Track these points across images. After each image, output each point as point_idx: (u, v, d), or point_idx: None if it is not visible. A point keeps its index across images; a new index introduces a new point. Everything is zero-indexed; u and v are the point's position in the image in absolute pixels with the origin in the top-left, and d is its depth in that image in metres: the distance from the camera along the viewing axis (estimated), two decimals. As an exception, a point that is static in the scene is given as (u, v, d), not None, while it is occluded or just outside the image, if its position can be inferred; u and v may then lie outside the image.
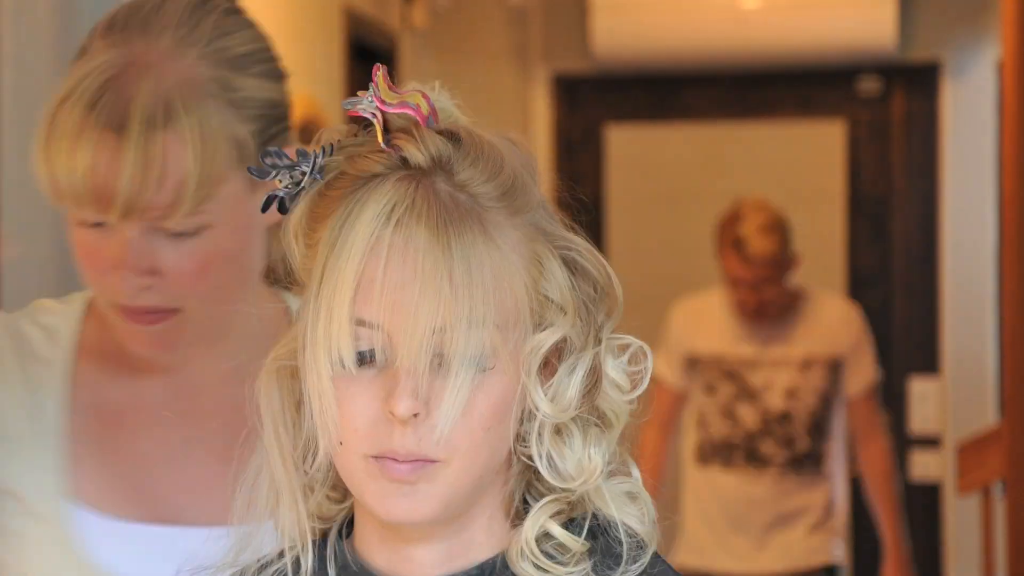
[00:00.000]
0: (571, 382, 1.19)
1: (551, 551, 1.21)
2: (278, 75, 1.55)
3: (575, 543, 1.20)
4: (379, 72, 1.22)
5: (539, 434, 1.20)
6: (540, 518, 1.20)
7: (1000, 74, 4.81)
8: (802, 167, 5.24)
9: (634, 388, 1.24)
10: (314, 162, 1.20)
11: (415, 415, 1.14)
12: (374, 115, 1.21)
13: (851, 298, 5.20)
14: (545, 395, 1.19)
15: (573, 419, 1.20)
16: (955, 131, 5.11)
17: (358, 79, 4.67)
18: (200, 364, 1.56)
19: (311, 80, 4.26)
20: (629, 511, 1.24)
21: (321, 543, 1.25)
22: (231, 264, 1.52)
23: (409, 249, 1.14)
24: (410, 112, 1.21)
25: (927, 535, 5.14)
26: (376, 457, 1.15)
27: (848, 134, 5.21)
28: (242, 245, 1.53)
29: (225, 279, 1.51)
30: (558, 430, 1.20)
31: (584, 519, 1.22)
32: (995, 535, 4.35)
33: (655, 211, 5.30)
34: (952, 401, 5.10)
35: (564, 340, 1.20)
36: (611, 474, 1.24)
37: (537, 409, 1.19)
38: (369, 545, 1.23)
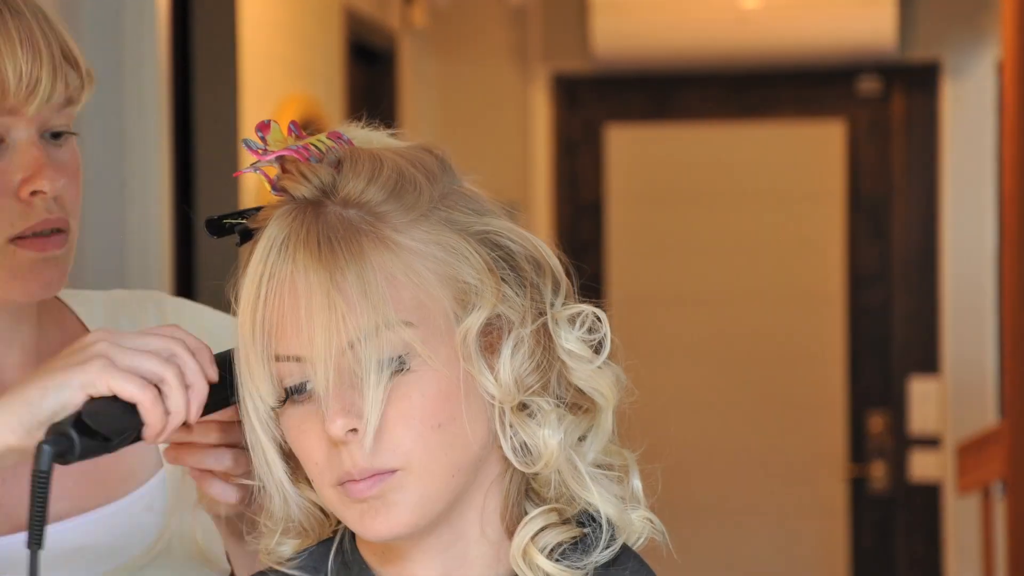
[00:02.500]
0: (509, 358, 1.18)
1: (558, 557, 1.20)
2: None
3: (565, 572, 1.19)
4: (271, 126, 1.24)
5: (500, 420, 1.19)
6: (526, 536, 1.20)
7: (1000, 74, 4.81)
8: (802, 167, 5.24)
9: (597, 355, 1.23)
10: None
11: (354, 431, 1.14)
12: (257, 169, 1.21)
13: (851, 298, 5.20)
14: (493, 378, 1.18)
15: (546, 402, 1.19)
16: (955, 131, 5.11)
17: (358, 79, 4.67)
18: (5, 361, 1.51)
19: (311, 80, 4.26)
20: (610, 501, 1.23)
21: (338, 550, 1.25)
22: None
23: (298, 276, 1.15)
24: (288, 153, 1.21)
25: (927, 535, 5.15)
26: (339, 484, 1.16)
27: (848, 134, 5.21)
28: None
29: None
30: (530, 414, 1.19)
31: (584, 544, 1.21)
32: (995, 535, 4.36)
33: (655, 211, 5.30)
34: (952, 401, 5.10)
35: (500, 319, 1.19)
36: (597, 464, 1.24)
37: (487, 393, 1.18)
38: (372, 560, 1.24)
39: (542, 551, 1.20)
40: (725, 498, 5.24)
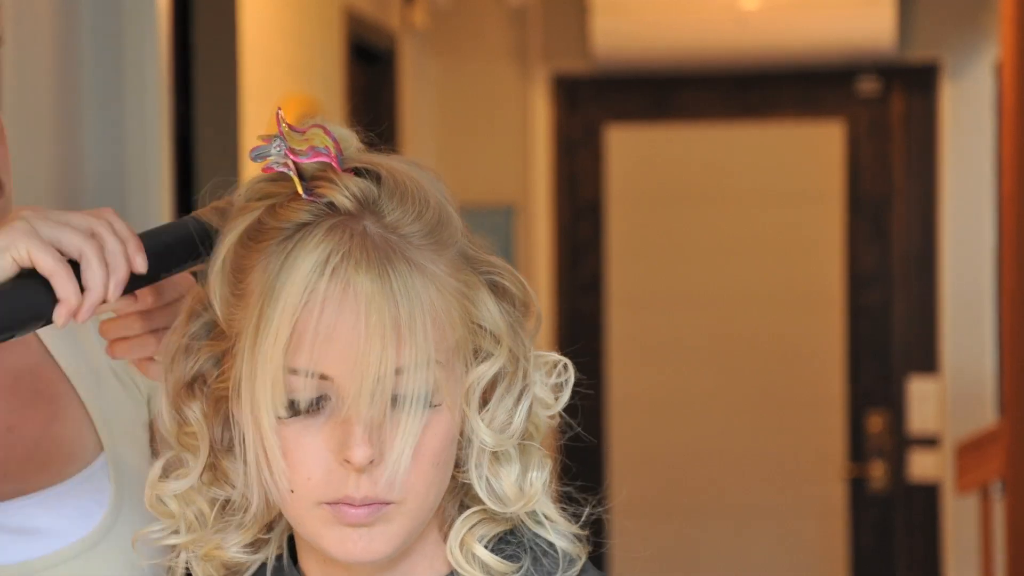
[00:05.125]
0: (515, 410, 1.20)
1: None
2: None
3: (503, 566, 1.21)
4: (281, 116, 1.21)
5: (478, 461, 1.20)
6: (461, 532, 1.21)
7: (999, 74, 4.81)
8: (802, 167, 5.25)
9: (556, 402, 1.23)
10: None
11: (371, 461, 1.14)
12: (286, 165, 1.19)
13: (851, 298, 5.20)
14: (484, 424, 1.19)
15: (531, 446, 1.21)
16: (954, 131, 5.11)
17: (358, 79, 4.67)
18: None
19: (311, 80, 4.26)
20: (556, 528, 1.24)
21: (276, 567, 1.25)
22: None
23: (348, 297, 1.13)
24: (323, 159, 1.19)
25: (926, 535, 5.15)
26: (331, 504, 1.15)
27: (848, 134, 5.21)
28: None
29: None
30: (495, 455, 1.21)
31: (512, 535, 1.22)
32: (994, 535, 4.36)
33: (655, 211, 5.30)
34: (951, 401, 5.10)
35: (498, 369, 1.20)
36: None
37: (481, 440, 1.19)
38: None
39: (479, 541, 1.21)
40: (725, 498, 5.24)
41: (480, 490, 1.20)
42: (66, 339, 1.54)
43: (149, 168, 3.05)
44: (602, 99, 5.32)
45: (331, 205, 1.17)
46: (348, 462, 1.13)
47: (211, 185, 1.28)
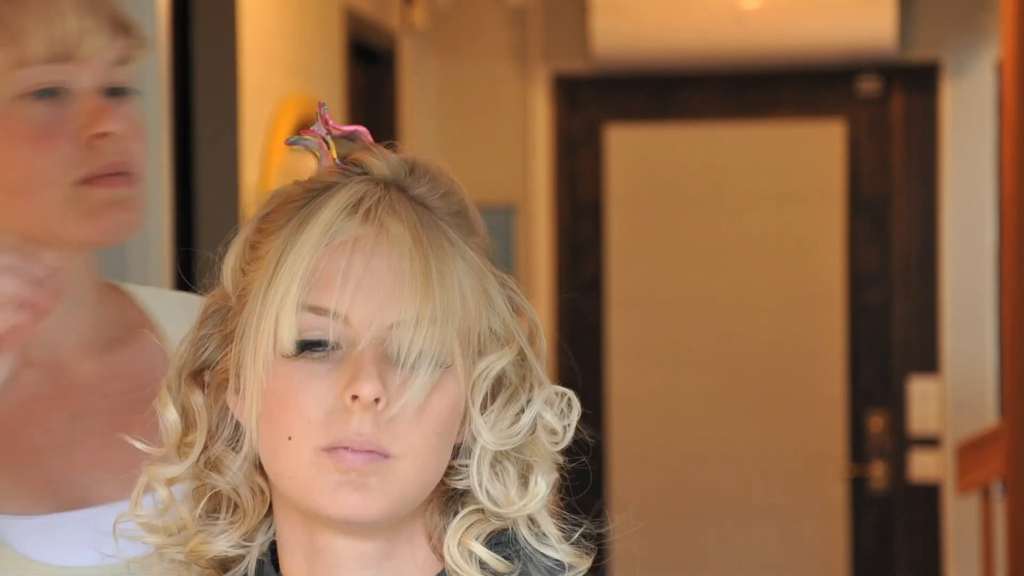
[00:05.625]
0: (518, 420, 1.19)
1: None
2: None
3: (500, 564, 1.20)
4: (325, 112, 1.22)
5: (479, 463, 1.19)
6: (458, 532, 1.19)
7: (999, 74, 4.81)
8: (802, 167, 5.25)
9: (564, 434, 1.23)
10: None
11: (376, 401, 1.12)
12: (324, 139, 1.20)
13: (851, 298, 5.20)
14: (486, 423, 1.18)
15: (507, 455, 1.20)
16: (955, 131, 5.11)
17: (358, 79, 4.67)
18: (62, 341, 1.54)
19: (311, 80, 4.26)
20: (547, 541, 1.22)
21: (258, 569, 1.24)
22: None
23: (381, 241, 1.14)
24: (363, 130, 1.21)
25: (927, 535, 5.15)
26: (328, 450, 1.13)
27: (848, 134, 5.21)
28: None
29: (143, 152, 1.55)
30: (493, 464, 1.20)
31: (507, 537, 1.21)
32: (995, 535, 4.36)
33: (655, 211, 5.30)
34: (952, 401, 5.10)
35: (503, 373, 1.19)
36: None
37: (478, 435, 1.18)
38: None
39: (476, 539, 1.20)
40: (725, 498, 5.24)
41: (480, 492, 1.20)
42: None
43: (149, 168, 3.04)
44: (602, 99, 5.32)
45: (362, 171, 1.18)
46: (356, 398, 1.12)
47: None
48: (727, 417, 5.23)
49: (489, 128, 5.32)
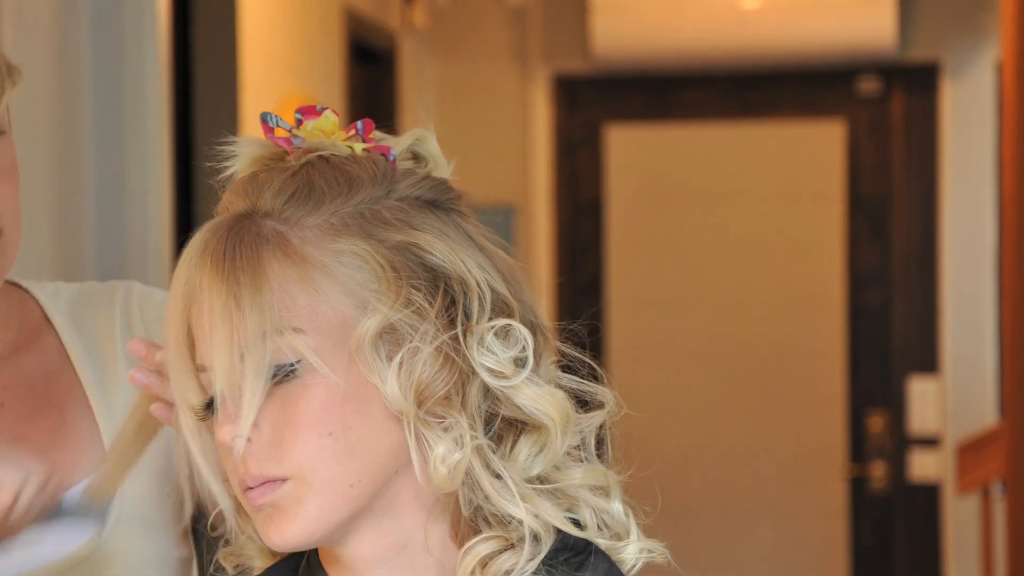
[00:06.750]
0: (398, 367, 1.14)
1: None
2: None
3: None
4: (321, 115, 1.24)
5: (409, 433, 1.15)
6: (471, 562, 1.16)
7: (999, 74, 4.81)
8: (802, 167, 5.25)
9: (518, 372, 1.17)
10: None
11: (249, 439, 1.13)
12: (290, 140, 1.23)
13: (851, 298, 5.20)
14: (386, 387, 1.14)
15: (457, 420, 1.15)
16: (955, 131, 5.11)
17: (358, 79, 4.67)
18: None
19: (311, 80, 4.26)
20: (557, 517, 1.21)
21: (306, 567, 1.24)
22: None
23: (203, 287, 1.14)
24: (369, 123, 1.25)
25: (927, 535, 5.15)
26: (244, 492, 1.15)
27: (848, 134, 5.21)
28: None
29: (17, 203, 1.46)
30: (445, 428, 1.15)
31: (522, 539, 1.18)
32: (995, 535, 4.36)
33: (655, 211, 5.30)
34: (952, 401, 5.10)
35: (405, 329, 1.15)
36: (542, 479, 1.20)
37: (385, 395, 1.14)
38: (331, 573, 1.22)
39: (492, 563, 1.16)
40: (725, 498, 5.24)
41: (416, 466, 1.16)
42: (87, 345, 1.54)
43: (149, 168, 3.04)
44: (602, 99, 5.32)
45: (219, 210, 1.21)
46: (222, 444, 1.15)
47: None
48: (727, 417, 5.23)
49: (489, 128, 5.32)
